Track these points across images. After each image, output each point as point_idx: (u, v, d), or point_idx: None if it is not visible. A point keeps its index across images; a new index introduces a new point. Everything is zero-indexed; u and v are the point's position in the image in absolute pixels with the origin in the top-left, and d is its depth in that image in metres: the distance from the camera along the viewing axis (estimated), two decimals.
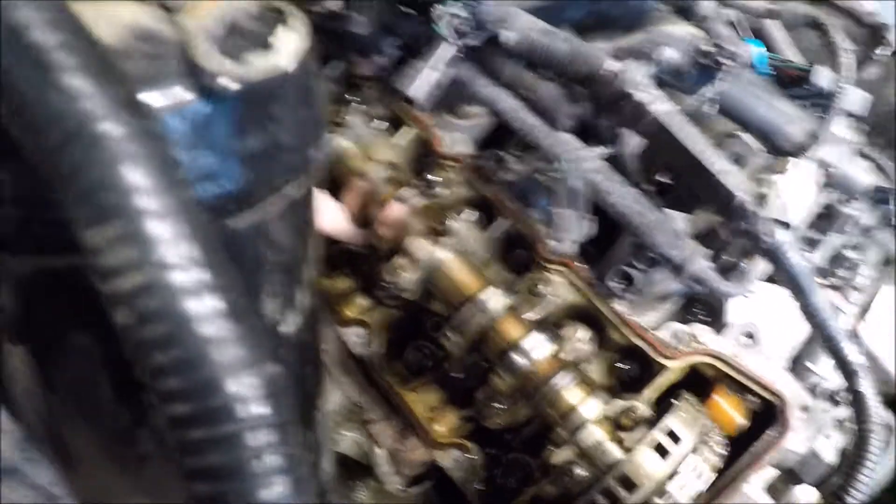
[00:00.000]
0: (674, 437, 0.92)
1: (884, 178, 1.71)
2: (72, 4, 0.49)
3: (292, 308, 0.68)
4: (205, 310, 0.37)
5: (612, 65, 1.01)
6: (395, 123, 1.31)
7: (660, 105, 0.97)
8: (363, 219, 1.15)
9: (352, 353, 1.19)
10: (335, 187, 1.18)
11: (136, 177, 0.37)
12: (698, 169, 0.95)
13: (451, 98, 1.30)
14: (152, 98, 0.46)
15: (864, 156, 1.70)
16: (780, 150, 1.16)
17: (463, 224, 1.10)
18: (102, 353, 0.54)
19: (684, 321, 1.15)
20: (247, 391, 0.37)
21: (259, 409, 0.38)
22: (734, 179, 0.94)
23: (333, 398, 1.18)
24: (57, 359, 0.58)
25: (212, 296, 0.37)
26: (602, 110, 1.04)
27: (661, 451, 0.91)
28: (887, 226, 1.53)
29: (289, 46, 0.51)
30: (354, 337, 1.19)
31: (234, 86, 0.49)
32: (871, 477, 1.03)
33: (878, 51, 1.53)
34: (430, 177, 1.17)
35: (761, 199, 0.95)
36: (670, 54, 1.13)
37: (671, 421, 0.93)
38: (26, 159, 0.37)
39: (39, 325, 0.56)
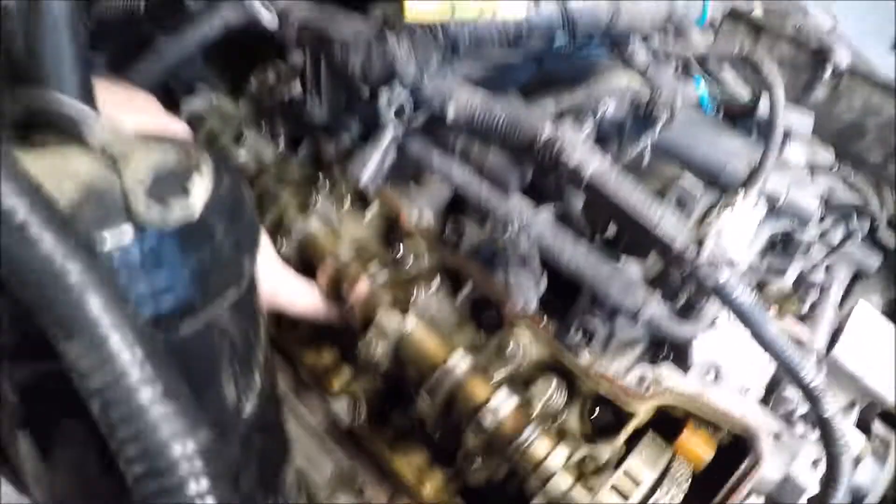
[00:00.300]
0: (635, 478, 0.96)
1: (854, 194, 1.75)
2: (29, 159, 0.59)
3: (251, 390, 0.76)
4: (150, 396, 0.50)
5: (548, 132, 1.07)
6: (363, 199, 1.38)
7: (594, 166, 1.02)
8: (337, 298, 1.22)
9: (340, 423, 1.25)
10: (309, 269, 1.25)
11: (91, 303, 0.49)
12: (636, 222, 1.00)
13: (413, 168, 1.38)
14: (103, 239, 0.57)
15: (832, 173, 1.75)
16: (726, 186, 1.21)
17: (430, 294, 1.16)
18: (89, 437, 0.65)
19: (655, 361, 1.20)
20: (186, 451, 0.49)
21: (196, 464, 0.49)
22: (670, 229, 0.99)
23: (327, 467, 1.23)
24: (54, 443, 0.69)
25: (155, 385, 0.50)
26: (545, 173, 1.10)
27: (623, 493, 0.95)
28: (855, 240, 1.57)
29: (200, 189, 0.59)
30: (342, 408, 1.25)
31: (161, 226, 0.59)
32: (845, 500, 1.06)
33: (825, 73, 1.59)
34: (397, 251, 1.24)
35: (701, 242, 0.99)
36: (610, 109, 1.20)
37: (631, 462, 0.98)
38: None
39: (38, 415, 0.67)
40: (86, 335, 0.49)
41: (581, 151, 1.04)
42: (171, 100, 1.52)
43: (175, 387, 0.52)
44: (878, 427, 1.45)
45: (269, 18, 1.28)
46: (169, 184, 0.60)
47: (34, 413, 0.66)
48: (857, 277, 1.63)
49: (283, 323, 1.34)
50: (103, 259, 0.56)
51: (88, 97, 0.67)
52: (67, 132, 0.62)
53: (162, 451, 0.49)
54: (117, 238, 0.57)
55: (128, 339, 0.50)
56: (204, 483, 0.49)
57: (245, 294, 0.72)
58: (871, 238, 1.74)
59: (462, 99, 1.15)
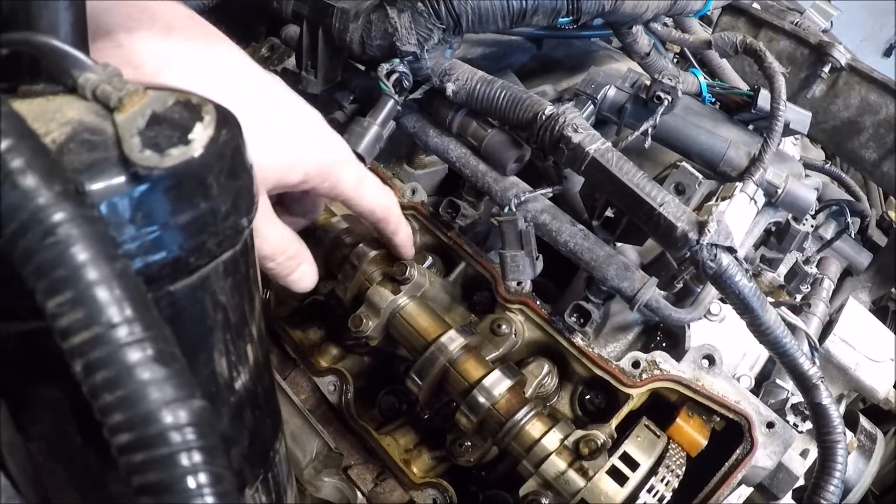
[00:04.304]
0: (632, 462, 0.95)
1: (845, 190, 1.76)
2: (25, 103, 0.56)
3: (243, 362, 0.72)
4: (141, 357, 0.45)
5: (550, 110, 1.05)
6: None
7: (596, 145, 1.01)
8: (327, 273, 1.19)
9: (328, 401, 1.22)
10: None
11: (79, 255, 0.45)
12: (638, 203, 0.98)
13: (407, 148, 1.35)
14: (94, 185, 0.53)
15: (824, 170, 1.76)
16: (724, 175, 1.20)
17: (423, 271, 1.14)
18: (70, 404, 0.60)
19: (647, 349, 1.19)
20: (179, 421, 0.45)
21: (189, 435, 0.45)
22: (674, 210, 0.97)
23: (312, 446, 1.21)
24: (31, 411, 0.64)
25: (146, 346, 0.46)
26: (544, 153, 1.08)
27: (620, 477, 0.94)
28: (847, 236, 1.57)
29: (202, 135, 0.56)
30: (329, 386, 1.22)
31: (155, 173, 0.55)
32: (840, 488, 1.05)
33: (824, 69, 1.59)
34: None
35: (703, 226, 0.97)
36: (611, 92, 1.18)
37: (628, 447, 0.96)
38: None
39: (13, 381, 0.62)
40: (69, 287, 0.45)
41: (584, 129, 1.03)
42: None
43: (168, 350, 0.47)
44: (863, 422, 1.46)
45: None
46: (167, 131, 0.57)
47: (7, 376, 0.61)
48: (846, 274, 1.63)
49: (270, 301, 1.31)
50: (92, 207, 0.51)
51: (81, 42, 0.64)
52: (58, 79, 0.59)
53: (151, 420, 0.44)
54: (106, 186, 0.53)
55: (116, 296, 0.46)
56: (197, 457, 0.45)
57: (242, 261, 0.68)
58: (861, 236, 1.75)
59: (462, 74, 1.13)
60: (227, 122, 0.61)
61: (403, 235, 1.12)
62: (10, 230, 0.44)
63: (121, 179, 0.53)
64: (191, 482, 0.44)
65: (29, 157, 0.46)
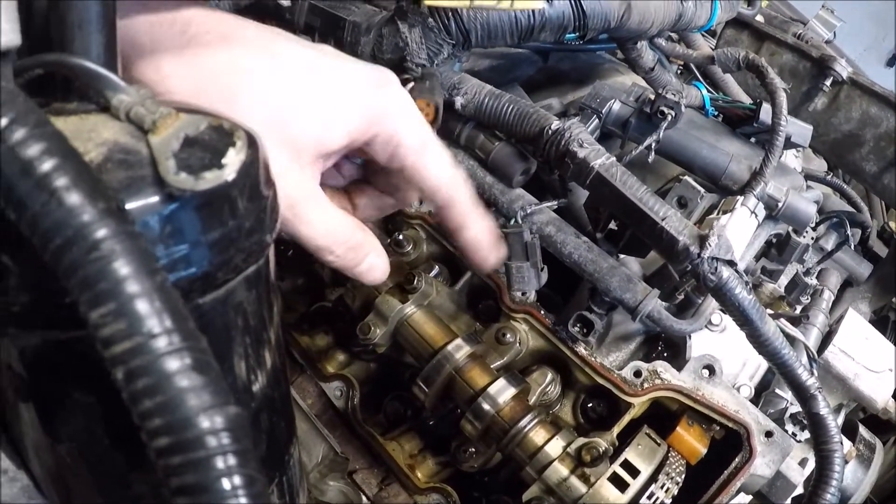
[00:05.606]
0: (633, 469, 0.98)
1: (846, 201, 1.78)
2: (60, 121, 0.58)
3: (262, 367, 0.75)
4: (179, 366, 0.48)
5: (556, 124, 1.08)
6: None
7: (601, 160, 1.03)
8: (335, 279, 1.22)
9: (334, 406, 1.25)
10: (306, 256, 1.25)
11: (122, 269, 0.48)
12: (641, 217, 1.01)
13: None
14: (131, 203, 0.56)
15: (825, 181, 1.78)
16: (725, 189, 1.22)
17: (430, 280, 1.16)
18: (100, 407, 0.63)
19: (648, 359, 1.21)
20: (215, 426, 0.48)
21: (224, 439, 0.48)
22: (676, 224, 1.00)
23: (318, 450, 1.23)
24: (61, 413, 0.66)
25: (184, 355, 0.48)
26: (550, 166, 1.11)
27: (621, 483, 0.96)
28: (847, 247, 1.59)
29: (234, 160, 0.58)
30: (335, 391, 1.25)
31: (189, 194, 0.58)
32: (837, 496, 1.08)
33: (825, 82, 1.61)
34: (397, 236, 1.24)
35: (705, 240, 1.00)
36: (616, 107, 1.21)
37: (629, 455, 0.99)
38: (34, 253, 0.48)
39: (45, 384, 0.65)
40: (112, 299, 0.47)
41: (589, 143, 1.05)
42: None
43: (204, 359, 0.50)
44: (862, 431, 1.48)
45: None
46: (201, 154, 0.59)
47: (39, 382, 0.64)
48: (846, 285, 1.65)
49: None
50: (133, 224, 0.53)
51: (112, 64, 0.66)
52: (91, 99, 0.61)
53: (188, 424, 0.47)
54: (143, 204, 0.56)
55: (156, 308, 0.49)
56: (231, 460, 0.48)
57: (264, 272, 0.71)
58: (862, 247, 1.77)
59: (471, 88, 1.15)
60: (253, 143, 0.63)
61: (473, 234, 0.91)
62: (55, 245, 0.47)
63: (156, 199, 0.56)
64: (226, 484, 0.47)
65: (74, 176, 0.48)
